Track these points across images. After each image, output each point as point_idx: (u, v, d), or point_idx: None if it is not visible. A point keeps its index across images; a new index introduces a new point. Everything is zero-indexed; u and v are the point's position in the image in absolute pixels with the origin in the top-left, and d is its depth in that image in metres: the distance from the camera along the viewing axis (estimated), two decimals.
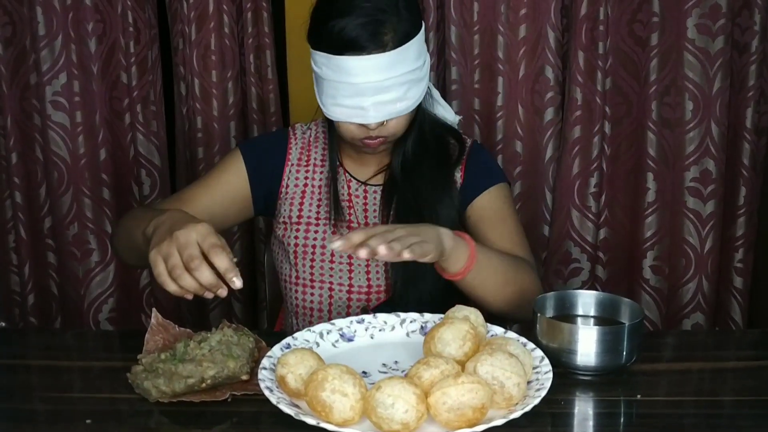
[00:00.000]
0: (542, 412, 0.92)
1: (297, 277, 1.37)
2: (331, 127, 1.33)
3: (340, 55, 1.17)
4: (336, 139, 1.37)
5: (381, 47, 1.17)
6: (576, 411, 0.97)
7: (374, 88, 1.18)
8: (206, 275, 0.97)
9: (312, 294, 1.36)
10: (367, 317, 1.14)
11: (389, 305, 1.30)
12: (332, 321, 1.13)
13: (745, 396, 1.00)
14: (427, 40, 1.83)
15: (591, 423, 0.96)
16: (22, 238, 2.03)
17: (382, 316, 1.15)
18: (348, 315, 1.32)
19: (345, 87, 1.19)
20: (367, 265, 1.34)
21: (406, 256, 1.01)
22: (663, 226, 1.90)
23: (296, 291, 1.38)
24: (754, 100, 1.81)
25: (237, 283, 0.97)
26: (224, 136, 1.96)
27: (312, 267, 1.35)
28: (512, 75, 1.85)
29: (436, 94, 1.41)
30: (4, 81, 1.95)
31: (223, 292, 0.98)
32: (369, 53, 1.17)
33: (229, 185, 1.36)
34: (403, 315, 1.15)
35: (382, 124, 1.22)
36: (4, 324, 2.05)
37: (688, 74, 1.80)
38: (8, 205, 2.04)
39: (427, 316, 1.15)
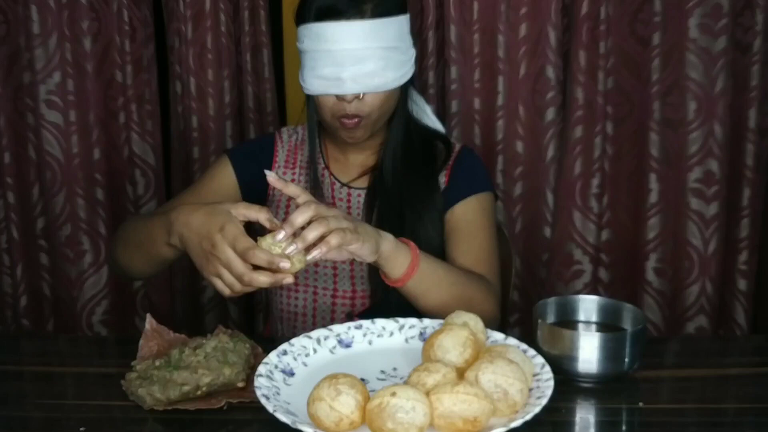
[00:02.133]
0: (543, 419, 0.90)
1: None
2: (312, 127, 1.33)
3: (319, 22, 1.20)
4: (322, 138, 1.37)
5: (359, 14, 1.19)
6: (577, 419, 0.96)
7: (352, 57, 1.19)
8: (262, 281, 0.98)
9: (296, 299, 1.35)
10: (365, 323, 1.12)
11: (372, 311, 1.29)
12: (330, 326, 1.11)
13: (748, 403, 0.99)
14: (426, 39, 1.83)
15: (592, 431, 0.94)
16: (15, 238, 2.01)
17: (380, 322, 1.13)
18: (332, 320, 1.31)
19: (324, 56, 1.20)
20: (352, 270, 1.32)
21: (333, 242, 0.99)
22: (666, 228, 1.88)
23: (280, 296, 1.37)
24: (757, 101, 1.79)
25: (285, 265, 0.98)
26: (220, 135, 1.94)
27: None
28: (513, 74, 1.84)
29: (428, 110, 1.43)
30: None
31: (289, 279, 0.99)
32: (348, 19, 1.19)
33: (218, 193, 1.34)
34: (401, 320, 1.13)
35: (359, 98, 1.22)
36: None
37: (690, 74, 1.78)
38: (0, 205, 2.02)
39: (426, 321, 1.13)
